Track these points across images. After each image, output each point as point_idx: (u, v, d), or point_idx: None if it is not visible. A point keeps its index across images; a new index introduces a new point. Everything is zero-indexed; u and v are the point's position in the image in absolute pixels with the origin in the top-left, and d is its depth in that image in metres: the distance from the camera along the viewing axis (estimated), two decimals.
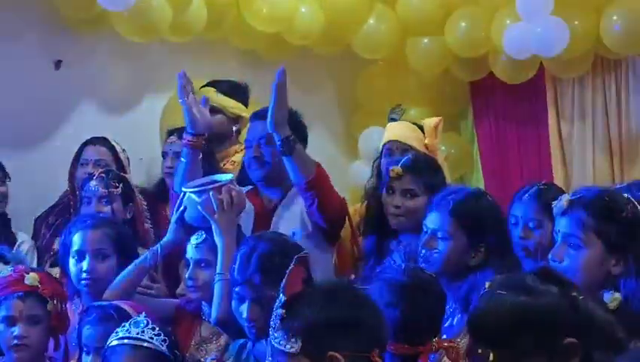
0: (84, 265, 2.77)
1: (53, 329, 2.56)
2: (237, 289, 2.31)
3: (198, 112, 2.88)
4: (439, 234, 2.41)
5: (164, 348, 2.19)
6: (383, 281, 2.08)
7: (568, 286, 1.71)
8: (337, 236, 3.01)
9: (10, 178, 3.59)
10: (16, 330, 2.51)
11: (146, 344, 2.18)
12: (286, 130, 2.76)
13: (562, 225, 2.10)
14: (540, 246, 2.63)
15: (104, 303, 2.51)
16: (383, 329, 1.77)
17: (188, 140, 2.87)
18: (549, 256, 2.12)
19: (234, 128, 3.86)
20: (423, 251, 2.44)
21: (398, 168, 2.87)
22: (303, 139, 3.09)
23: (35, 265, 3.34)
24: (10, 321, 2.53)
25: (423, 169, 2.89)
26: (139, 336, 2.19)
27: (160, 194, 3.77)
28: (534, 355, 1.63)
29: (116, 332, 2.24)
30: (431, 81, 4.75)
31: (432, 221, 2.45)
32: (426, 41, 4.57)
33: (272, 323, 1.72)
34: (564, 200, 2.10)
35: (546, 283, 1.69)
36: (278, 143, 2.77)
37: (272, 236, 2.47)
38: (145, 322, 2.23)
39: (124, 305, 2.44)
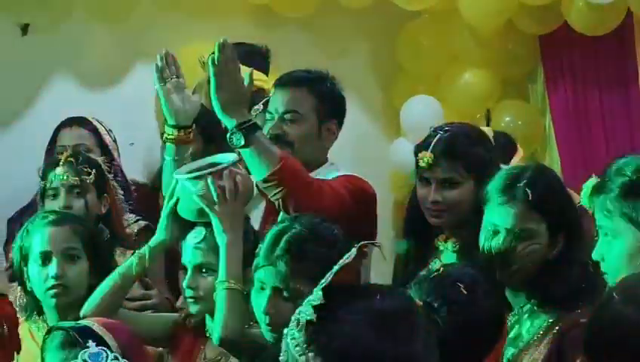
0: (52, 268, 2.77)
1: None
2: (258, 274, 2.37)
3: (182, 100, 2.91)
4: (522, 234, 2.40)
5: None
6: None
7: None
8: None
9: None
10: None
11: None
12: (240, 114, 2.72)
13: None
14: None
15: (68, 324, 2.43)
16: None
17: (168, 135, 2.93)
18: None
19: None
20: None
21: (428, 154, 2.78)
22: (340, 114, 3.12)
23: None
24: None
25: (460, 149, 2.80)
26: None
27: (159, 187, 3.67)
28: None
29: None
30: (490, 36, 4.77)
31: (505, 217, 2.42)
32: None
33: (295, 315, 1.65)
34: None
35: None
36: (229, 133, 2.72)
37: (312, 219, 2.46)
38: (104, 355, 2.18)
39: (96, 326, 2.37)
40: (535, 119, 4.91)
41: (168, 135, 2.95)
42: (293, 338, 1.63)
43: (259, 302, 2.37)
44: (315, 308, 1.60)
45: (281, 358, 1.68)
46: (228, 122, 2.71)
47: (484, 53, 4.76)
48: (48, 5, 4.25)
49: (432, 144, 2.81)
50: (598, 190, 2.11)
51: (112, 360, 2.17)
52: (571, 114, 4.83)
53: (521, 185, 2.41)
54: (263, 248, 2.38)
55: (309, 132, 3.06)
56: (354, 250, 1.66)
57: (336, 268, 1.65)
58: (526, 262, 2.41)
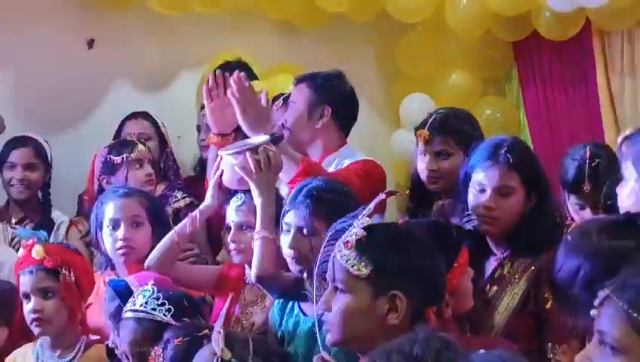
0: (120, 233, 2.85)
1: (65, 300, 2.62)
2: (285, 218, 2.44)
3: (224, 113, 2.96)
4: (503, 191, 2.45)
5: (168, 318, 2.20)
6: None
7: None
8: None
9: (49, 164, 3.70)
10: (30, 305, 2.61)
11: (148, 316, 2.21)
12: (265, 129, 2.75)
13: None
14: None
15: (116, 279, 2.55)
16: (444, 288, 1.83)
17: (210, 139, 3.03)
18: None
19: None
20: (482, 211, 2.46)
21: (425, 131, 2.87)
22: (333, 101, 3.08)
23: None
24: (27, 297, 2.64)
25: (451, 126, 2.89)
26: (142, 309, 2.21)
27: (201, 173, 3.80)
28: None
29: (127, 304, 2.29)
30: (472, 44, 4.76)
31: (491, 178, 2.46)
32: (465, 1, 4.55)
33: (344, 238, 1.78)
34: None
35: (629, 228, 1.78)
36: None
37: (328, 178, 2.58)
38: (150, 291, 2.25)
39: (135, 283, 2.43)
40: (511, 112, 4.90)
41: (211, 139, 3.03)
42: (343, 256, 1.77)
43: (285, 241, 2.43)
44: (365, 228, 1.76)
45: (327, 275, 1.82)
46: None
47: (468, 57, 4.77)
48: (110, 23, 4.33)
49: (429, 123, 2.90)
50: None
51: (153, 298, 2.24)
52: (541, 107, 4.80)
53: (503, 151, 2.46)
54: (289, 198, 2.48)
55: (298, 115, 3.08)
56: (382, 194, 1.84)
57: (372, 203, 1.80)
58: (508, 212, 2.45)
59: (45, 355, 2.68)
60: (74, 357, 2.65)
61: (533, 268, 2.42)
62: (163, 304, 2.22)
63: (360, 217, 1.80)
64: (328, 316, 1.82)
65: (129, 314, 2.26)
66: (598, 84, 4.61)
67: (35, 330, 2.65)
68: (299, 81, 3.15)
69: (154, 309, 2.21)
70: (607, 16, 4.40)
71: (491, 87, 4.89)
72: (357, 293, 1.77)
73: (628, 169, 2.17)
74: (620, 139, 2.22)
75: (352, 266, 1.75)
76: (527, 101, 4.87)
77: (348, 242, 1.76)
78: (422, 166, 2.91)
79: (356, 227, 1.77)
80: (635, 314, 1.42)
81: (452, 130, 2.89)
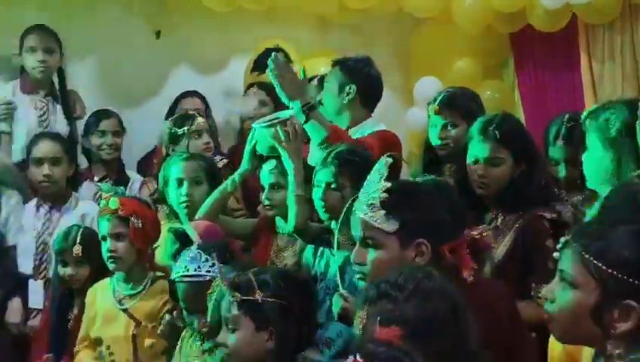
0: (183, 190, 2.91)
1: (134, 243, 2.66)
2: (317, 176, 2.47)
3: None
4: (494, 162, 2.44)
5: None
6: None
7: None
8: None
9: (125, 131, 3.73)
10: (107, 246, 2.69)
11: (203, 278, 2.21)
12: (303, 98, 2.70)
13: None
14: None
15: (176, 227, 2.58)
16: (450, 227, 1.80)
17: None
18: None
19: None
20: (476, 178, 2.45)
21: (435, 106, 2.86)
22: (359, 81, 3.04)
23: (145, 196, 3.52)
24: (104, 239, 2.71)
25: (456, 102, 2.87)
26: (197, 273, 2.22)
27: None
28: None
29: (177, 268, 2.27)
30: (475, 35, 4.74)
31: (482, 150, 2.44)
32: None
33: (366, 199, 1.75)
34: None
35: None
36: (295, 113, 2.71)
37: (352, 144, 2.60)
38: (199, 256, 2.25)
39: (191, 230, 2.43)
40: (508, 93, 4.89)
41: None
42: (371, 217, 1.73)
43: (317, 194, 2.46)
44: (386, 191, 1.74)
45: (354, 233, 1.79)
46: (294, 105, 2.71)
47: (471, 47, 4.76)
48: (174, 18, 4.41)
49: (439, 99, 2.89)
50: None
51: (203, 262, 2.24)
52: (533, 89, 4.79)
53: (492, 128, 2.45)
54: (321, 160, 2.50)
55: (331, 95, 3.08)
56: (389, 159, 1.77)
57: (384, 168, 1.77)
58: (497, 179, 2.45)
59: (120, 286, 2.74)
60: (143, 290, 2.71)
61: (521, 220, 2.43)
62: (213, 264, 2.23)
63: (379, 181, 1.76)
64: (363, 268, 1.79)
65: (186, 280, 2.25)
66: (581, 69, 4.59)
67: (110, 266, 2.72)
68: (334, 63, 3.15)
69: (208, 271, 2.23)
70: (590, 12, 4.39)
71: (491, 72, 4.90)
72: (387, 247, 1.74)
73: (590, 140, 2.16)
74: (584, 114, 2.19)
75: (382, 224, 1.72)
76: (521, 84, 4.86)
77: (373, 205, 1.72)
78: (432, 135, 2.92)
79: (378, 191, 1.74)
80: (587, 256, 1.44)
81: (458, 105, 2.86)
